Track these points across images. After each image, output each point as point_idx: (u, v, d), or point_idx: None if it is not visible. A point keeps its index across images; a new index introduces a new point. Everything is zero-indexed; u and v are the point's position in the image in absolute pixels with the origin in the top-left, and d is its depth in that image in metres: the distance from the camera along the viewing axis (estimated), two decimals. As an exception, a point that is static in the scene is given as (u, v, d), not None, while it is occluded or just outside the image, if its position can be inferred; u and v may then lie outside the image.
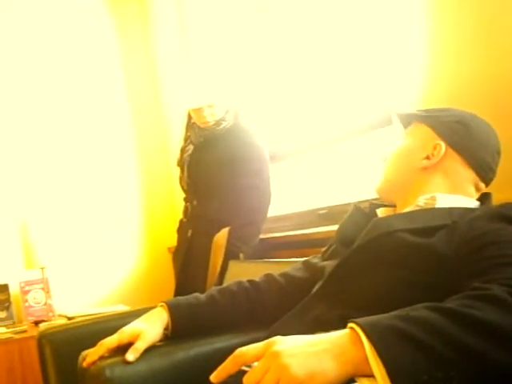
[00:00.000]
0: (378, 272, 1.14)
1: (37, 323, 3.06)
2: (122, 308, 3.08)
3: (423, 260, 1.08)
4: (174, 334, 1.41)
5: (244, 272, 2.35)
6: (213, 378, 0.86)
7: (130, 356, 1.28)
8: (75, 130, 3.48)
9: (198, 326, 1.45)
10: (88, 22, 3.53)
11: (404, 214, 1.27)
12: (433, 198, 1.24)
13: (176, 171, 2.91)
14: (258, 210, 2.55)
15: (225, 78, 2.90)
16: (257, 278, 1.55)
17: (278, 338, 0.81)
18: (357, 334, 0.78)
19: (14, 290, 3.21)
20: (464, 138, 1.26)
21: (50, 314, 3.14)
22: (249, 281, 1.54)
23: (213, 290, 1.51)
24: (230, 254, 2.47)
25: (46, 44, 3.43)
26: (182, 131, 2.83)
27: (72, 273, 3.37)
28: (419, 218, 1.18)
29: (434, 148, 1.28)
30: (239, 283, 1.53)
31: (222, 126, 2.61)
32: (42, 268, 3.08)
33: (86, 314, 2.93)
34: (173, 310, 1.41)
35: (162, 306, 1.42)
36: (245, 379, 0.79)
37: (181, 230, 2.82)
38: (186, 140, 2.80)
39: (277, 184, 2.74)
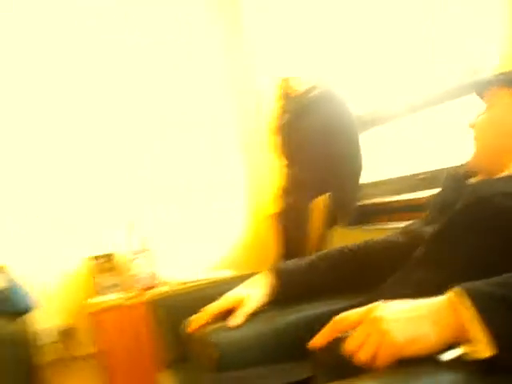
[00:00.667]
0: (475, 237, 1.12)
1: (145, 290, 3.19)
2: (229, 273, 3.18)
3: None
4: (276, 299, 1.44)
5: (345, 238, 2.37)
6: (311, 343, 0.89)
7: (234, 321, 1.31)
8: (175, 100, 3.55)
9: (300, 292, 1.47)
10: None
11: (502, 178, 1.24)
12: None
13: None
14: (351, 177, 2.58)
15: (313, 47, 2.90)
16: (357, 244, 1.56)
17: (378, 304, 0.83)
18: (457, 299, 0.78)
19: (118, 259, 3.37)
20: None
21: (156, 282, 3.28)
22: (349, 246, 1.55)
23: (314, 255, 1.54)
24: (329, 221, 2.50)
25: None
26: (276, 100, 2.86)
27: (179, 241, 3.49)
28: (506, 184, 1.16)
29: None
30: (340, 249, 1.55)
31: (312, 94, 2.64)
32: (144, 238, 3.20)
33: (193, 280, 3.07)
34: (275, 275, 1.45)
35: (264, 272, 1.46)
36: (346, 344, 0.81)
37: (283, 196, 2.87)
38: (281, 109, 2.83)
39: (376, 149, 2.73)
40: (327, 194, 2.54)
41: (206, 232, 3.55)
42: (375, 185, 2.78)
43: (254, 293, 1.39)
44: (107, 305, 2.96)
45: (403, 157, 2.74)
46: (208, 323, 1.35)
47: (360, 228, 2.39)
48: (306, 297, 1.45)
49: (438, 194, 1.40)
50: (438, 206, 1.35)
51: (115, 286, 3.32)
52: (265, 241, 3.20)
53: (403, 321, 0.78)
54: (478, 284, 0.79)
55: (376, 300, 0.86)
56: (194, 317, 1.39)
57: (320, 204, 2.55)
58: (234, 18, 3.61)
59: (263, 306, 1.40)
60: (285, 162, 2.83)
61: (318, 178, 2.60)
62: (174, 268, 3.42)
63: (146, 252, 3.30)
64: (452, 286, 0.80)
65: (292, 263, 1.50)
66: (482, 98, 1.36)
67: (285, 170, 2.83)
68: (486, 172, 1.32)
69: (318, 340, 0.88)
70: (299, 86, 2.66)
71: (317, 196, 2.58)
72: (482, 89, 1.35)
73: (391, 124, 2.78)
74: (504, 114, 1.27)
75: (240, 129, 3.66)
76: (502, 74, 1.32)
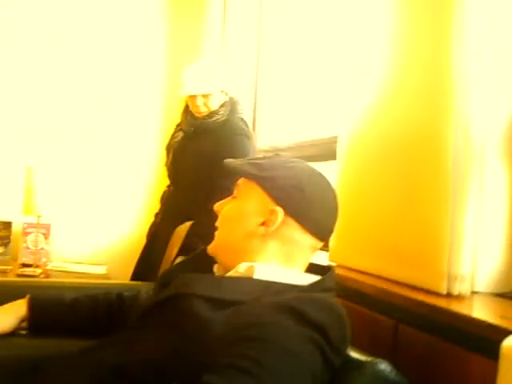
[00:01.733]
0: (158, 331, 1.15)
1: (23, 266, 3.22)
2: (100, 269, 3.21)
3: (198, 334, 1.08)
4: (31, 327, 1.48)
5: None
6: None
7: None
8: (95, 83, 3.61)
9: (57, 325, 1.51)
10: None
11: (214, 277, 1.25)
12: (252, 268, 1.20)
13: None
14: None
15: (231, 71, 2.87)
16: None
17: None
18: None
19: (16, 230, 3.40)
20: (302, 205, 1.20)
21: (44, 260, 3.31)
22: (118, 294, 1.57)
23: (84, 293, 1.57)
24: (187, 249, 2.50)
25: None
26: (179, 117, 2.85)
27: (70, 224, 3.51)
28: (225, 287, 1.16)
29: (271, 213, 1.19)
30: (107, 294, 1.57)
31: (213, 119, 2.61)
32: (39, 216, 3.22)
33: (61, 270, 3.10)
34: (33, 303, 1.48)
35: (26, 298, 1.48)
36: None
37: (156, 213, 2.88)
38: (177, 126, 2.82)
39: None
40: (192, 222, 2.54)
41: (98, 224, 3.57)
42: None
43: (3, 317, 1.44)
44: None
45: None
46: None
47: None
48: (67, 331, 1.50)
49: (182, 263, 1.42)
50: (165, 278, 1.35)
51: (4, 254, 3.37)
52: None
53: None
54: None
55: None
56: None
57: (183, 229, 2.56)
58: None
59: (18, 331, 1.46)
60: (168, 180, 2.84)
61: (190, 203, 2.59)
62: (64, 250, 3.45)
63: (45, 229, 3.32)
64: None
65: (57, 295, 1.54)
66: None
67: (165, 189, 2.84)
68: (221, 264, 1.29)
69: None
70: (203, 107, 2.61)
71: (184, 221, 2.58)
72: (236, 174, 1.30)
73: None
74: (250, 210, 1.23)
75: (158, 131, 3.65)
76: (255, 163, 1.26)
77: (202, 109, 2.61)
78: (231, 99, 2.68)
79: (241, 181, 1.27)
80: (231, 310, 1.09)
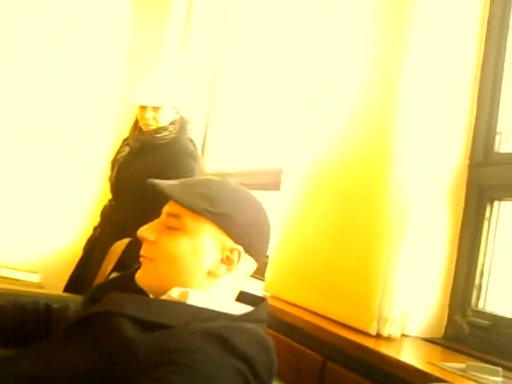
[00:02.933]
0: (82, 346, 1.12)
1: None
2: (33, 277, 3.12)
3: (120, 354, 1.05)
4: None
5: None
6: None
7: None
8: (46, 86, 3.50)
9: None
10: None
11: (144, 299, 1.21)
12: (185, 293, 1.17)
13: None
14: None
15: (186, 89, 2.85)
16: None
17: None
18: None
19: None
20: (257, 240, 1.20)
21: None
22: (46, 304, 1.52)
23: (13, 300, 1.51)
24: (122, 266, 2.45)
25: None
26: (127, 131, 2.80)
27: (7, 229, 3.40)
28: (154, 310, 1.13)
29: (231, 252, 1.16)
30: (36, 304, 1.52)
31: (160, 135, 2.57)
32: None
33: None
34: None
35: None
36: None
37: (95, 226, 2.82)
38: (124, 140, 2.78)
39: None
40: (129, 239, 2.50)
41: (40, 228, 3.47)
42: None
43: None
44: None
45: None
46: None
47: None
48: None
49: (114, 279, 1.38)
50: (97, 294, 1.31)
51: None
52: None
53: None
54: None
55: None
56: None
57: (119, 246, 2.51)
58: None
59: None
60: (110, 195, 2.78)
61: (129, 220, 2.54)
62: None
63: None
64: None
65: None
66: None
67: (106, 203, 2.79)
68: (151, 292, 1.22)
69: None
70: (152, 121, 2.57)
71: (121, 237, 2.54)
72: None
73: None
74: (204, 247, 1.17)
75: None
76: (201, 193, 1.20)
77: (150, 122, 2.56)
78: (182, 118, 2.64)
79: (183, 212, 1.19)
80: (158, 333, 1.06)
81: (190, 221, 1.18)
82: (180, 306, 1.15)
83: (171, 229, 1.20)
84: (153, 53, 3.53)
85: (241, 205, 1.21)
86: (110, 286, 1.34)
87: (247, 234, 1.19)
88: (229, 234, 1.18)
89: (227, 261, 1.17)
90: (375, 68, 1.49)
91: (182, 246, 1.18)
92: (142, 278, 1.21)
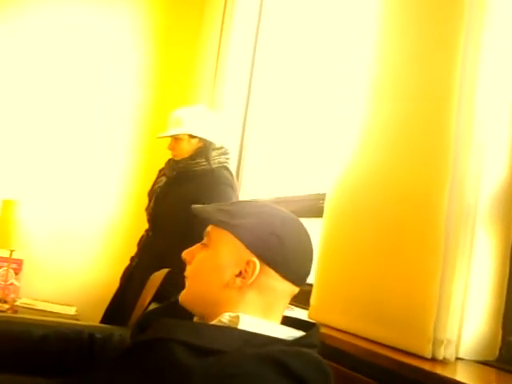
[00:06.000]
0: (134, 375, 1.11)
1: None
2: (69, 310, 3.13)
3: (176, 381, 1.04)
4: None
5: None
6: None
7: None
8: (79, 122, 3.63)
9: (21, 359, 1.46)
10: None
11: (195, 324, 1.21)
12: (236, 318, 1.16)
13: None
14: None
15: (214, 117, 2.85)
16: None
17: None
18: None
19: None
20: (278, 253, 1.16)
21: (12, 295, 3.23)
22: (90, 333, 1.52)
23: (57, 331, 1.52)
24: (161, 297, 2.44)
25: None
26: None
27: (43, 262, 3.43)
28: (206, 335, 1.13)
29: (247, 264, 1.15)
30: (79, 333, 1.53)
31: (195, 162, 2.59)
32: (12, 250, 3.15)
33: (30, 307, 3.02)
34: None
35: None
36: None
37: (133, 257, 2.83)
38: (160, 171, 2.81)
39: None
40: (167, 270, 2.49)
41: (75, 260, 3.50)
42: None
43: None
44: None
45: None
46: None
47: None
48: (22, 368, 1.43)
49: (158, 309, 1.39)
50: (144, 323, 1.31)
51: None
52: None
53: None
54: None
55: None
56: None
57: (158, 276, 2.51)
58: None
59: None
60: (147, 225, 2.79)
61: (167, 250, 2.54)
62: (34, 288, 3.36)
63: (16, 264, 3.25)
64: None
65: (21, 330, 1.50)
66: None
67: (143, 234, 2.80)
68: (195, 313, 1.25)
69: None
70: (187, 149, 2.60)
71: (160, 267, 2.54)
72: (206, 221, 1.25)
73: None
74: (224, 261, 1.18)
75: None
76: (223, 209, 1.22)
77: (171, 152, 2.62)
78: (208, 146, 2.61)
79: (210, 228, 1.23)
80: (212, 359, 1.05)
81: (213, 235, 1.21)
82: (231, 332, 1.14)
83: (203, 247, 1.23)
84: (186, 85, 3.58)
85: (259, 214, 1.20)
86: (155, 315, 1.34)
87: (265, 244, 1.16)
88: (245, 244, 1.17)
89: (245, 274, 1.16)
90: (423, 81, 1.47)
91: (204, 260, 1.21)
92: (181, 296, 1.24)
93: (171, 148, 2.61)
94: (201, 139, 2.61)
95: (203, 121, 2.65)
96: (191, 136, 2.58)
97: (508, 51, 1.34)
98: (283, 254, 1.17)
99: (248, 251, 1.16)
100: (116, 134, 3.67)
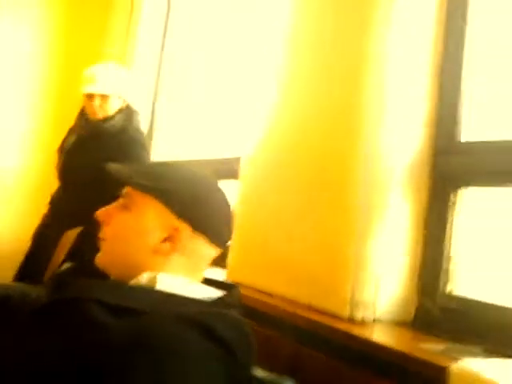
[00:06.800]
0: (50, 333, 1.07)
1: None
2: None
3: (93, 339, 1.00)
4: None
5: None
6: None
7: None
8: None
9: None
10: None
11: (113, 284, 1.18)
12: (154, 278, 1.13)
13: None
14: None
15: (133, 78, 2.78)
16: None
17: None
18: None
19: None
20: (205, 218, 1.15)
21: None
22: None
23: None
24: (74, 255, 2.39)
25: None
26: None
27: None
28: (123, 294, 1.09)
29: (176, 230, 1.12)
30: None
31: (108, 124, 2.53)
32: None
33: None
34: None
35: None
36: None
37: (44, 216, 2.74)
38: (70, 129, 2.72)
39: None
40: (81, 229, 2.43)
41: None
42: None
43: None
44: None
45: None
46: None
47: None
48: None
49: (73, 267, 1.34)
50: (59, 282, 1.26)
51: None
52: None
53: None
54: None
55: None
56: None
57: (70, 236, 2.45)
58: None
59: None
60: (58, 183, 2.71)
61: (78, 210, 2.47)
62: None
63: None
64: None
65: None
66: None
67: (54, 192, 2.71)
68: (114, 276, 1.19)
69: None
70: (98, 109, 2.53)
71: (73, 226, 2.47)
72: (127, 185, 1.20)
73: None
74: (149, 226, 1.14)
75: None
76: (144, 172, 1.19)
77: (97, 110, 2.53)
78: (128, 107, 2.60)
79: (131, 190, 1.18)
80: (130, 318, 1.03)
81: (137, 199, 1.16)
82: (150, 292, 1.12)
83: (123, 208, 1.18)
84: (98, 42, 3.45)
85: (188, 182, 1.18)
86: (70, 274, 1.30)
87: (194, 211, 1.15)
88: (173, 210, 1.14)
89: (173, 239, 1.13)
90: (338, 50, 1.48)
91: (127, 223, 1.16)
92: (97, 258, 1.19)
93: (99, 106, 2.52)
94: (124, 100, 2.56)
95: (124, 79, 2.59)
96: (106, 96, 2.51)
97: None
98: (210, 219, 1.16)
99: (175, 217, 1.14)
100: (21, 85, 3.51)
